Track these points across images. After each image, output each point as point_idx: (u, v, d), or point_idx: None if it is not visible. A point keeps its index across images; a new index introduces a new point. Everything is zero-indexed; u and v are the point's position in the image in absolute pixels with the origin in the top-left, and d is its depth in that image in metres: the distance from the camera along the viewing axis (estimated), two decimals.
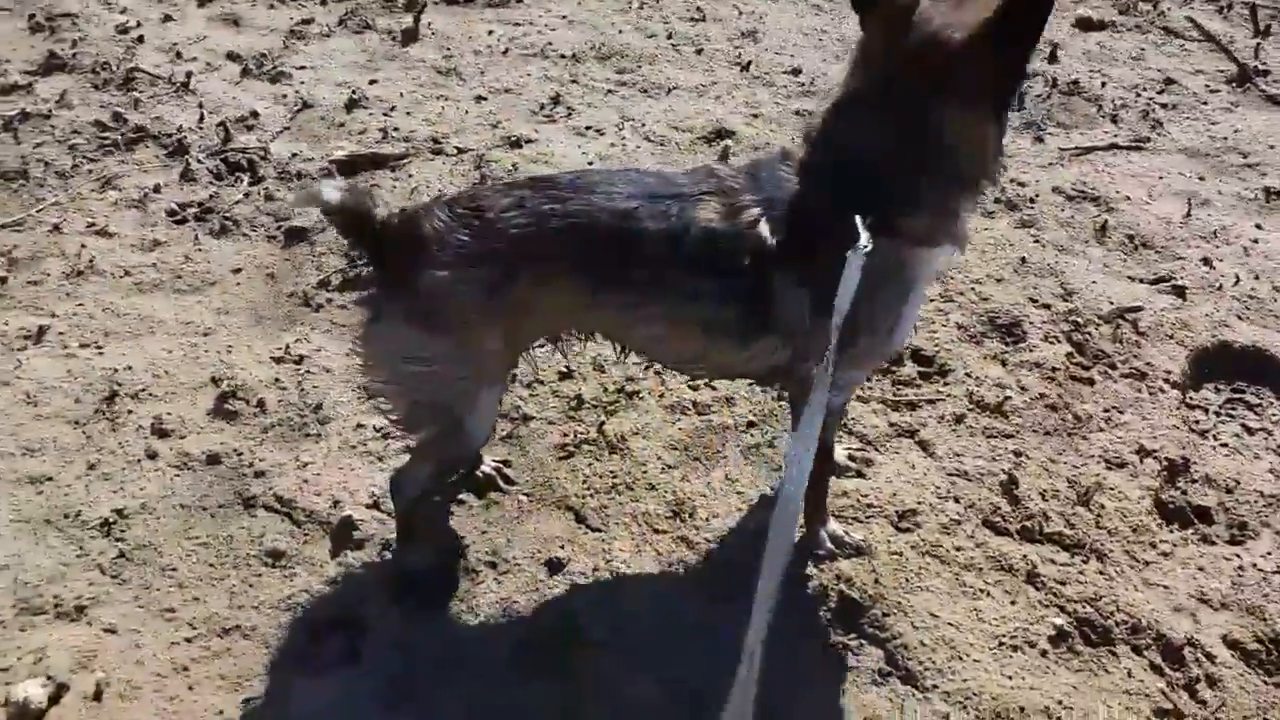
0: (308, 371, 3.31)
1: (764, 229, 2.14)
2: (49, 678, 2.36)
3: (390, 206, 2.27)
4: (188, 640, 2.49)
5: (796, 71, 5.18)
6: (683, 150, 4.50)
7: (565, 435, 3.10)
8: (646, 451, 3.02)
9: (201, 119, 4.71)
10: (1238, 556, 2.74)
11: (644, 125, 4.70)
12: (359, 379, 2.51)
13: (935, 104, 2.02)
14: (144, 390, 3.20)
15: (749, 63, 5.27)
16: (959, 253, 2.29)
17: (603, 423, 3.12)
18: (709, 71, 5.23)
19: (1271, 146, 4.56)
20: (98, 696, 2.35)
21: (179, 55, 5.32)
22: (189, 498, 2.86)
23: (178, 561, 2.69)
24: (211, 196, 4.15)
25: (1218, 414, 3.24)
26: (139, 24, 5.58)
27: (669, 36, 5.61)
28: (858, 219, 2.03)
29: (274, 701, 2.37)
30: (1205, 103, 4.93)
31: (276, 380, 3.27)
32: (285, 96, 4.98)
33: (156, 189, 4.20)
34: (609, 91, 5.03)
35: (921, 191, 2.11)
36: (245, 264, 3.82)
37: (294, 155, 4.47)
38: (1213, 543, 2.80)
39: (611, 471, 2.97)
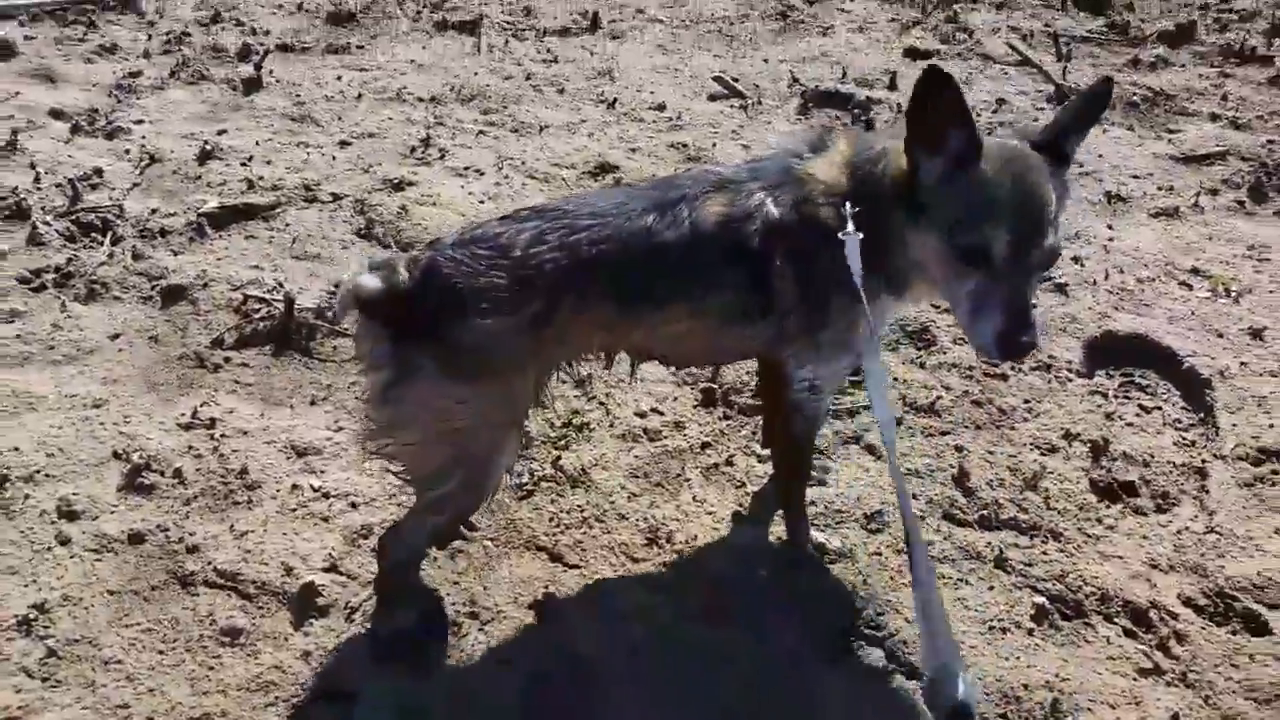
0: (223, 435, 3.05)
1: (771, 208, 2.23)
2: None
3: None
4: None
5: (661, 107, 5.28)
6: (570, 186, 4.48)
7: (520, 475, 2.99)
8: (610, 482, 2.96)
9: (38, 179, 4.32)
10: (1170, 522, 2.95)
11: (523, 164, 4.66)
12: (369, 445, 2.31)
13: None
14: (39, 472, 2.86)
15: (613, 100, 5.33)
16: (895, 301, 2.40)
17: (557, 458, 3.03)
18: (576, 109, 5.25)
19: (1100, 155, 5.01)
20: None
21: None
22: (117, 583, 2.57)
23: (120, 653, 2.40)
24: (69, 260, 3.79)
25: (1116, 396, 3.50)
26: None
27: (527, 78, 5.60)
28: (847, 206, 2.18)
29: None
30: (1035, 119, 5.36)
31: (190, 448, 3.00)
32: (128, 152, 4.65)
33: (0, 255, 3.79)
34: (480, 132, 4.97)
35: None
36: (123, 329, 3.50)
37: (153, 211, 4.16)
38: (1144, 513, 3.00)
39: (579, 506, 2.89)
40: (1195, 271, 4.12)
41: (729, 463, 3.06)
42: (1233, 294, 3.98)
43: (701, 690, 2.38)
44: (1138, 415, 3.41)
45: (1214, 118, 5.51)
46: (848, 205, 2.20)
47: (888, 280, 2.29)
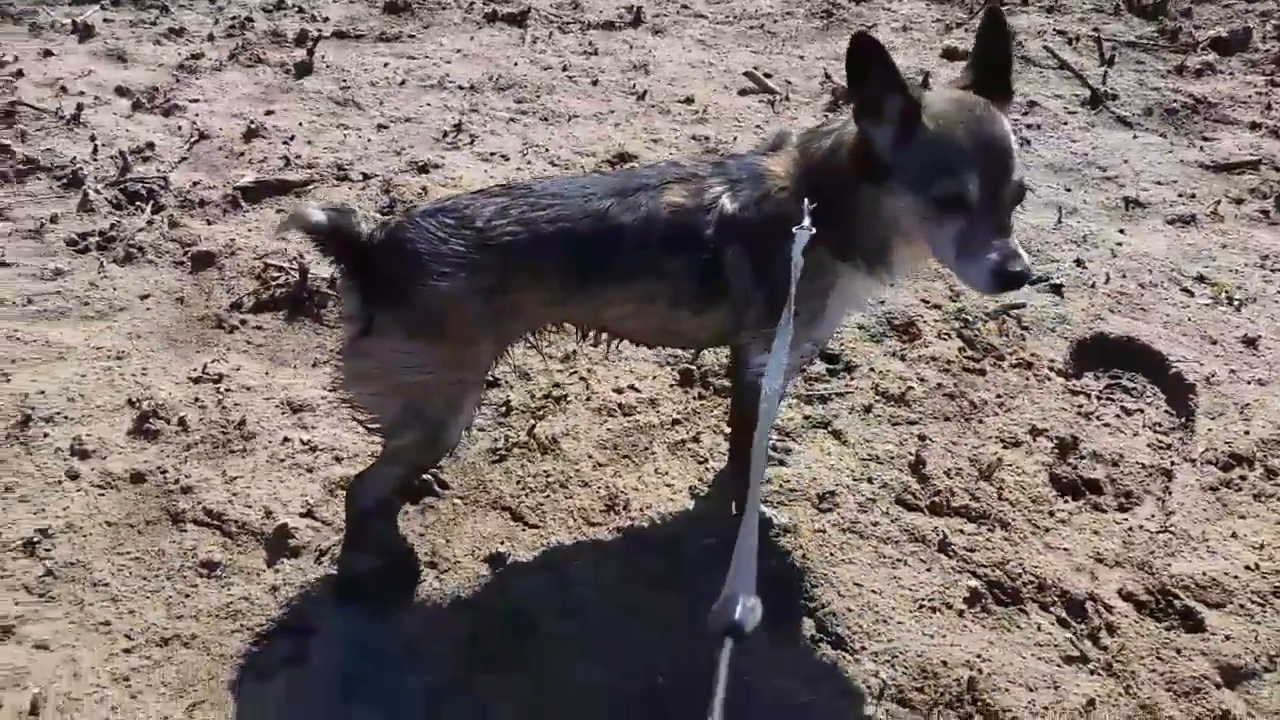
0: (227, 390, 3.29)
1: (726, 202, 2.35)
2: None
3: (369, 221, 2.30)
4: (126, 651, 2.45)
5: (689, 100, 5.41)
6: (587, 174, 4.64)
7: (496, 440, 3.17)
8: (577, 451, 3.12)
9: (95, 151, 4.63)
10: (1127, 520, 2.99)
11: (547, 151, 4.84)
12: (339, 393, 2.52)
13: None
14: (59, 414, 3.13)
15: (644, 92, 5.47)
16: (878, 284, 2.48)
17: (533, 426, 3.20)
18: (606, 101, 5.41)
19: (1125, 160, 4.98)
20: (34, 712, 2.29)
21: (64, 89, 5.22)
22: (115, 515, 2.82)
23: (109, 577, 2.64)
24: (113, 226, 4.08)
25: (1099, 398, 3.53)
26: (16, 59, 5.46)
27: (564, 69, 5.78)
28: (805, 202, 2.26)
29: (222, 704, 2.36)
30: (1065, 123, 5.35)
31: (196, 400, 3.24)
32: (180, 128, 4.94)
33: (53, 219, 4.11)
34: (510, 120, 5.16)
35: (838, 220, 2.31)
36: (153, 290, 3.78)
37: (195, 184, 4.44)
38: (1104, 510, 3.04)
39: (545, 471, 3.05)
40: (1200, 279, 4.10)
41: (695, 439, 3.19)
42: (1235, 302, 3.95)
43: (634, 650, 2.53)
44: (1117, 417, 3.43)
45: (1254, 126, 5.41)
46: (806, 201, 2.28)
47: (866, 259, 2.37)
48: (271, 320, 3.66)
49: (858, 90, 2.17)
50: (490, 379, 3.34)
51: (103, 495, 2.89)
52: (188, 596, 2.62)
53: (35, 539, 2.71)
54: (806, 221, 2.23)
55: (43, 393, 3.20)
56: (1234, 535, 2.94)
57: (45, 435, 3.05)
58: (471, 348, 2.42)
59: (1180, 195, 4.77)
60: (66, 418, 3.13)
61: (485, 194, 2.44)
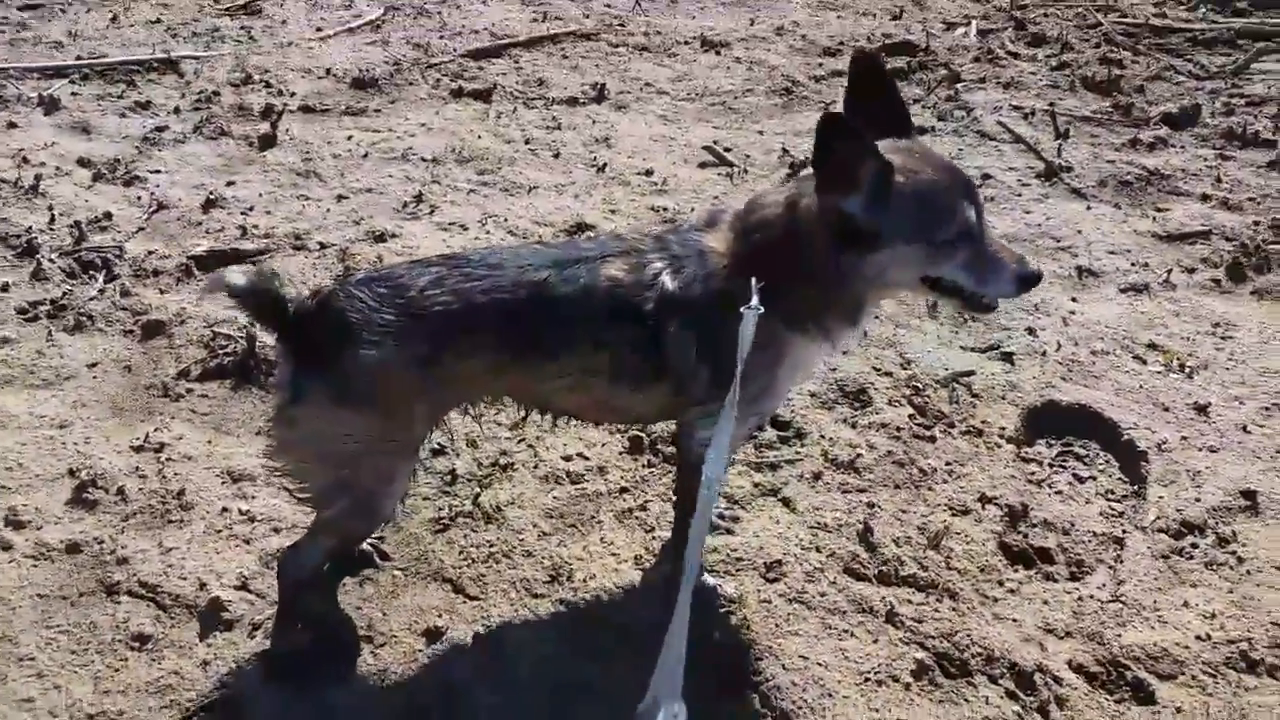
0: (169, 459, 3.24)
1: (666, 280, 2.33)
2: None
3: (298, 287, 2.31)
4: None
5: (649, 173, 5.48)
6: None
7: (440, 509, 3.12)
8: (522, 520, 3.07)
9: (52, 220, 4.63)
10: (1077, 589, 2.96)
11: (506, 220, 4.87)
12: (270, 461, 2.48)
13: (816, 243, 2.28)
14: None
15: (604, 165, 5.54)
16: (831, 350, 2.51)
17: (478, 495, 3.16)
18: (567, 173, 5.47)
19: (1079, 231, 5.05)
20: None
21: (25, 160, 5.24)
22: (47, 587, 2.75)
23: (36, 651, 2.57)
24: (65, 294, 4.07)
25: (1051, 465, 3.52)
26: None
27: (527, 142, 5.85)
28: (753, 281, 2.24)
29: None
30: (1019, 194, 5.44)
31: (137, 469, 3.19)
32: (140, 199, 4.96)
33: (4, 288, 4.09)
34: (471, 191, 5.20)
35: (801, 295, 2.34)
36: (101, 358, 3.74)
37: (150, 253, 4.44)
38: (1055, 580, 3.01)
39: (489, 541, 3.00)
40: (1152, 346, 4.14)
41: (643, 508, 3.15)
42: (1186, 369, 3.98)
43: None
44: (1069, 484, 3.42)
45: (1205, 198, 5.52)
46: (754, 280, 2.25)
47: (824, 326, 2.38)
48: (218, 389, 3.62)
49: (827, 167, 2.16)
50: (436, 446, 3.31)
51: (35, 566, 2.82)
52: (117, 671, 2.54)
53: None
54: (755, 300, 2.21)
55: None
56: (1185, 604, 2.91)
57: None
58: (402, 418, 2.39)
59: (1133, 264, 4.84)
60: (4, 487, 3.07)
61: (422, 263, 2.43)
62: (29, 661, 2.55)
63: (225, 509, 3.05)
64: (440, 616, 2.75)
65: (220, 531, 2.98)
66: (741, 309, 2.20)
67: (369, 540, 2.93)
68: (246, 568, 2.85)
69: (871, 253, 2.23)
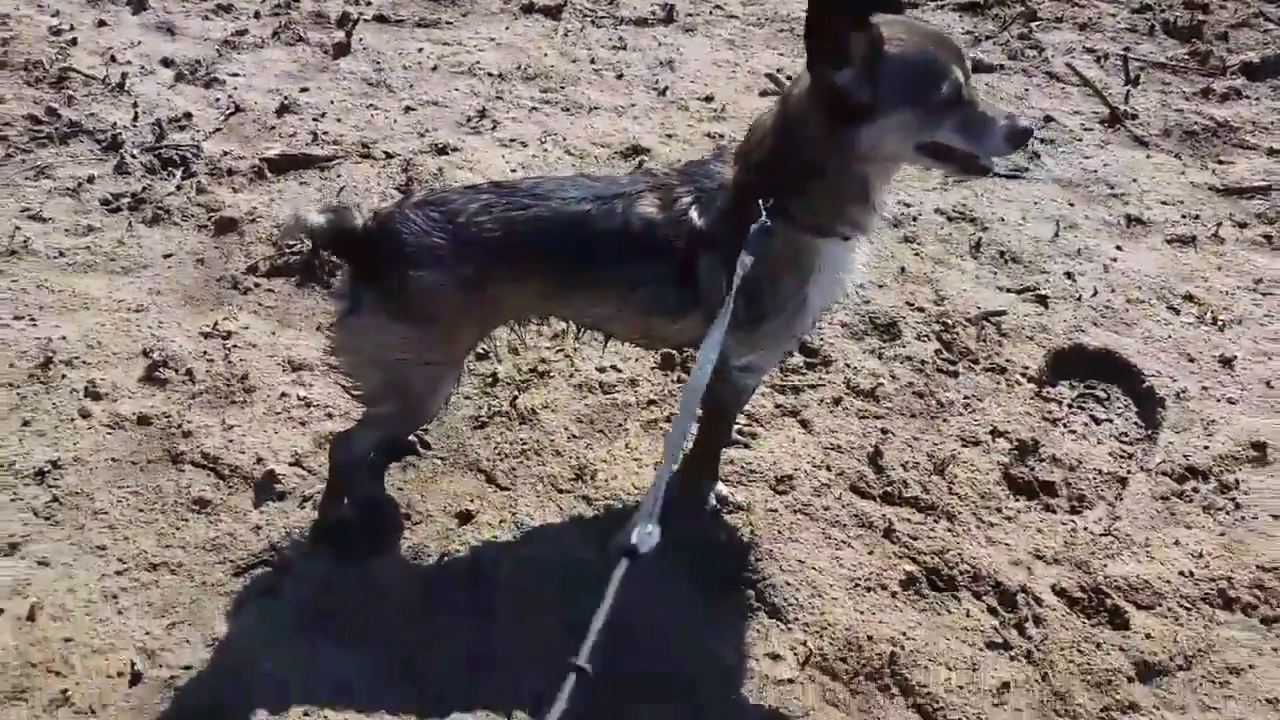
0: (234, 346, 3.51)
1: (694, 214, 2.47)
2: None
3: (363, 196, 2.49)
4: (118, 573, 2.69)
5: (709, 99, 5.56)
6: (600, 164, 4.82)
7: (480, 408, 3.36)
8: (554, 423, 3.30)
9: (135, 118, 4.89)
10: (1073, 522, 3.11)
11: (565, 140, 5.02)
12: (327, 358, 2.73)
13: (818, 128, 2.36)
14: (77, 358, 3.37)
15: (665, 88, 5.63)
16: (856, 239, 2.57)
17: (515, 398, 3.39)
18: (628, 95, 5.58)
19: (1134, 179, 5.04)
20: (31, 617, 2.53)
21: (113, 59, 5.49)
22: (120, 453, 3.05)
23: (109, 507, 2.87)
24: (145, 188, 4.33)
25: (1070, 406, 3.63)
26: (72, 27, 5.74)
27: (591, 62, 5.95)
28: (760, 201, 2.38)
29: (199, 626, 2.57)
30: (1080, 139, 5.42)
31: (204, 353, 3.47)
32: (218, 100, 5.19)
33: (90, 179, 4.37)
34: (533, 109, 5.35)
35: (812, 191, 2.44)
36: (176, 250, 4.01)
37: (225, 153, 4.68)
38: (1053, 511, 3.16)
39: (522, 440, 3.24)
40: (1189, 298, 4.18)
41: (668, 420, 3.35)
42: (1219, 322, 4.03)
43: (584, 607, 2.69)
44: (1084, 425, 3.54)
45: (1272, 153, 5.43)
46: (761, 201, 2.37)
47: (845, 217, 2.46)
48: (283, 285, 3.88)
49: (818, 41, 2.21)
50: (480, 352, 3.53)
51: (110, 434, 3.12)
52: (178, 529, 2.84)
53: (46, 469, 2.95)
54: (764, 216, 2.34)
55: (65, 338, 3.44)
56: (1176, 543, 3.04)
57: (64, 377, 3.29)
58: (449, 335, 2.58)
59: (1184, 216, 4.83)
60: (85, 362, 3.37)
61: (474, 190, 2.58)
62: (103, 515, 2.86)
63: (284, 394, 3.32)
64: (472, 502, 3.00)
65: (279, 414, 3.25)
66: (752, 227, 2.32)
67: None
68: (300, 447, 3.12)
69: (867, 124, 2.29)
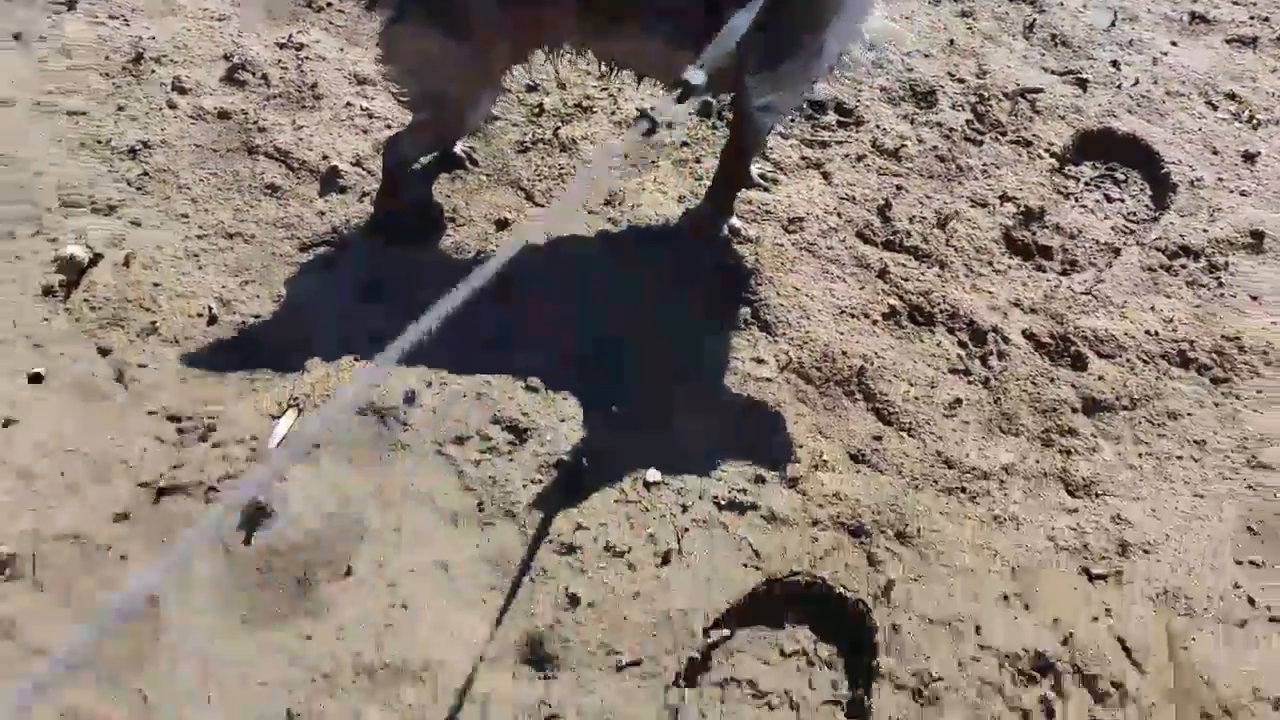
0: (306, 57, 3.80)
1: None
2: (88, 246, 2.97)
3: None
4: (198, 237, 3.10)
5: None
6: None
7: (524, 135, 3.64)
8: (591, 152, 3.58)
9: None
10: (1059, 281, 3.35)
11: None
12: (378, 65, 2.99)
13: None
14: (165, 56, 3.70)
15: None
16: None
17: (558, 128, 3.66)
18: None
19: None
20: (126, 264, 2.97)
21: None
22: (202, 140, 3.42)
23: (192, 183, 3.27)
24: None
25: (1086, 184, 3.79)
26: None
27: None
28: None
29: (268, 285, 3.00)
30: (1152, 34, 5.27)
31: (279, 61, 3.77)
32: None
33: None
34: None
35: None
36: None
37: None
38: (1043, 271, 3.40)
39: (560, 165, 3.53)
40: (1231, 96, 4.22)
41: (698, 160, 3.61)
42: (1254, 121, 4.09)
43: (597, 309, 3.06)
44: (1096, 202, 3.71)
45: None
46: None
47: None
48: (353, 7, 4.10)
49: None
50: (530, 83, 3.78)
51: (194, 124, 3.48)
52: (251, 207, 3.23)
53: (137, 148, 3.34)
54: None
55: (154, 38, 3.76)
56: (1152, 309, 3.28)
57: (153, 71, 3.63)
58: (484, 50, 2.80)
59: (1253, 17, 4.76)
60: (172, 60, 3.69)
61: None
62: (186, 189, 3.25)
63: (349, 103, 3.63)
64: (510, 213, 3.33)
65: (343, 120, 3.57)
66: None
67: (463, 147, 3.49)
68: (361, 150, 3.45)
69: None
